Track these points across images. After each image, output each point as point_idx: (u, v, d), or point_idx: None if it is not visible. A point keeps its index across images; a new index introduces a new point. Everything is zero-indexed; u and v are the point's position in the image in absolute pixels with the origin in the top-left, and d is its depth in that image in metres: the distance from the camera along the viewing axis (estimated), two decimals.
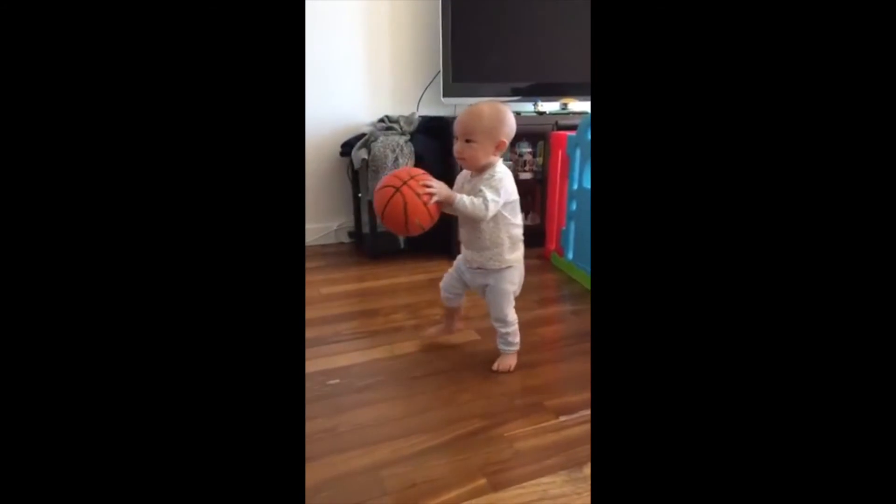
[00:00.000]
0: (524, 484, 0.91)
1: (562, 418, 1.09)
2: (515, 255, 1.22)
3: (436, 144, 2.08)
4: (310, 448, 0.99)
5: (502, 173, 1.15)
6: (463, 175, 1.22)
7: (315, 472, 0.93)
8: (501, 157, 1.19)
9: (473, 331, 1.50)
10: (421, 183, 1.09)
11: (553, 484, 0.91)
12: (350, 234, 2.38)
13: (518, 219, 1.21)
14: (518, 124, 2.31)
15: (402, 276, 1.95)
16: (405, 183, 1.08)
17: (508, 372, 1.26)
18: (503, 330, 1.26)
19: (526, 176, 2.25)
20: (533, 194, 2.32)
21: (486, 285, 1.24)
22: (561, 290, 1.85)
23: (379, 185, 1.11)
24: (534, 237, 2.24)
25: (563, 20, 2.24)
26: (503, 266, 1.21)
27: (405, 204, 1.07)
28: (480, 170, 1.15)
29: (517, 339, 1.28)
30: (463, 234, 1.23)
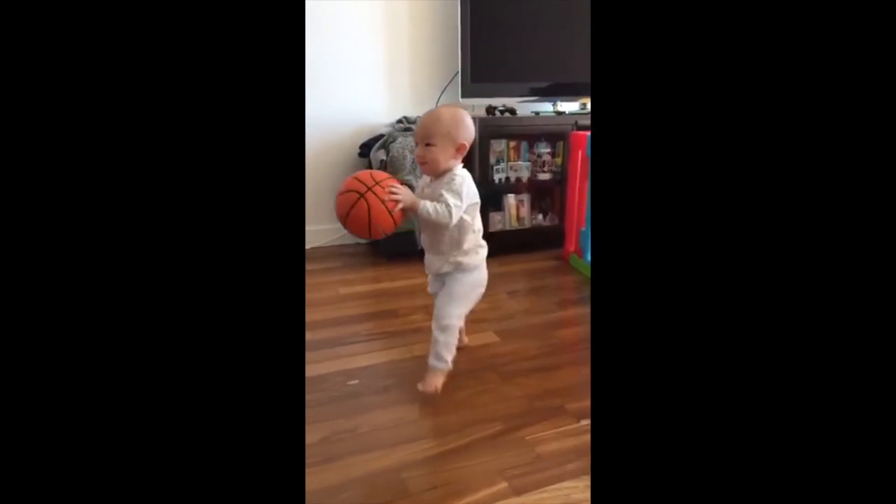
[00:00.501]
0: (546, 488, 0.90)
1: (583, 422, 1.07)
2: (473, 259, 1.17)
3: None
4: (331, 448, 1.00)
5: (462, 176, 1.13)
6: (423, 180, 1.20)
7: (336, 473, 0.93)
8: (462, 162, 1.16)
9: (492, 332, 1.49)
10: (386, 189, 1.06)
11: (576, 489, 0.89)
12: None
13: (478, 223, 1.18)
14: (537, 124, 2.29)
15: (419, 277, 1.94)
16: (370, 189, 1.05)
17: (435, 394, 1.14)
18: (439, 336, 1.16)
19: (545, 176, 2.23)
20: (552, 195, 2.30)
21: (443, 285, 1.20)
22: (580, 292, 1.83)
23: (342, 188, 1.08)
24: (552, 238, 2.23)
25: (582, 19, 2.22)
26: (457, 269, 1.17)
27: (369, 210, 1.04)
28: (440, 174, 1.14)
29: (450, 355, 1.16)
30: (424, 238, 1.19)
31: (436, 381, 1.17)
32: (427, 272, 1.24)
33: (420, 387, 1.16)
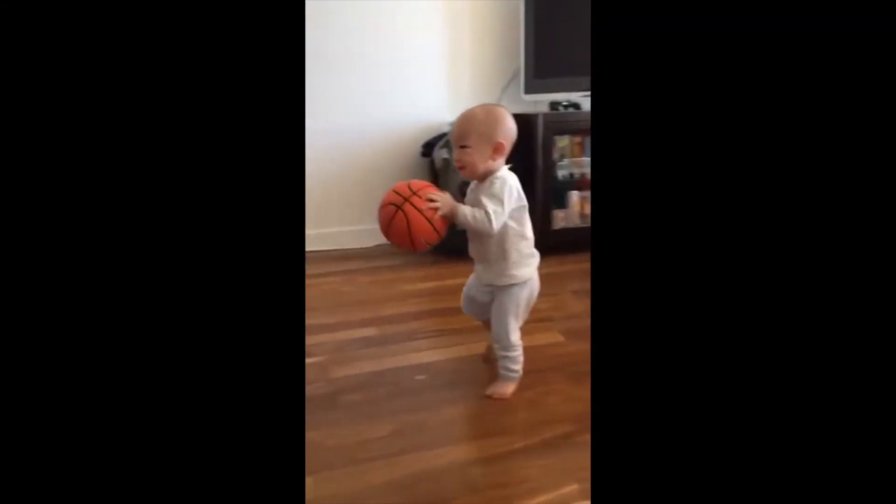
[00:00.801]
0: None
1: None
2: (524, 272, 1.11)
3: (517, 143, 2.05)
4: (400, 442, 1.01)
5: (504, 179, 1.05)
6: (471, 184, 1.13)
7: (405, 466, 0.95)
8: (507, 164, 1.09)
9: (558, 332, 1.46)
10: (425, 197, 1.02)
11: None
12: None
13: (528, 230, 1.11)
14: None
15: None
16: (407, 200, 1.02)
17: (503, 399, 1.14)
18: (502, 353, 1.15)
19: None
20: None
21: (491, 302, 1.16)
22: None
23: (381, 202, 1.06)
24: None
25: None
26: (509, 283, 1.11)
27: (408, 223, 1.01)
28: (482, 177, 1.07)
29: (518, 365, 1.16)
30: (471, 247, 1.14)
31: (505, 388, 1.16)
32: (477, 282, 1.19)
33: (489, 391, 1.16)
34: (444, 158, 2.06)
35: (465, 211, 1.04)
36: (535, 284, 1.15)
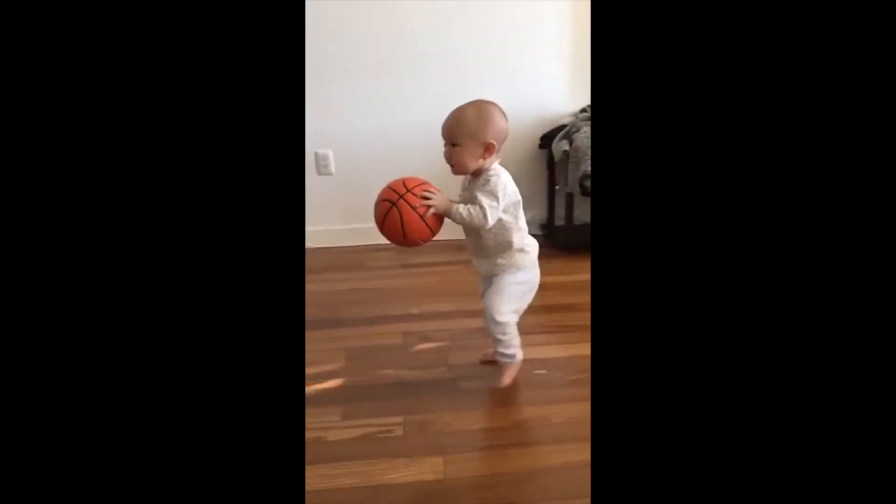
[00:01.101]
0: None
1: None
2: (523, 260, 1.13)
3: None
4: (523, 434, 1.03)
5: (498, 176, 1.06)
6: (464, 180, 1.14)
7: (527, 459, 0.96)
8: (497, 158, 1.08)
9: None
10: (419, 194, 1.04)
11: None
12: (542, 227, 2.39)
13: (522, 222, 1.12)
14: None
15: None
16: (401, 197, 1.04)
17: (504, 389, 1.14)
18: (496, 334, 1.15)
19: None
20: None
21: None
22: None
23: (377, 197, 1.08)
24: None
25: None
26: (503, 272, 1.13)
27: (402, 219, 1.03)
28: (475, 173, 1.08)
29: (513, 350, 1.17)
30: (468, 241, 1.15)
31: (504, 378, 1.18)
32: (477, 276, 1.22)
33: (495, 384, 1.18)
34: (563, 150, 2.02)
35: (460, 208, 1.06)
36: (533, 274, 1.16)
